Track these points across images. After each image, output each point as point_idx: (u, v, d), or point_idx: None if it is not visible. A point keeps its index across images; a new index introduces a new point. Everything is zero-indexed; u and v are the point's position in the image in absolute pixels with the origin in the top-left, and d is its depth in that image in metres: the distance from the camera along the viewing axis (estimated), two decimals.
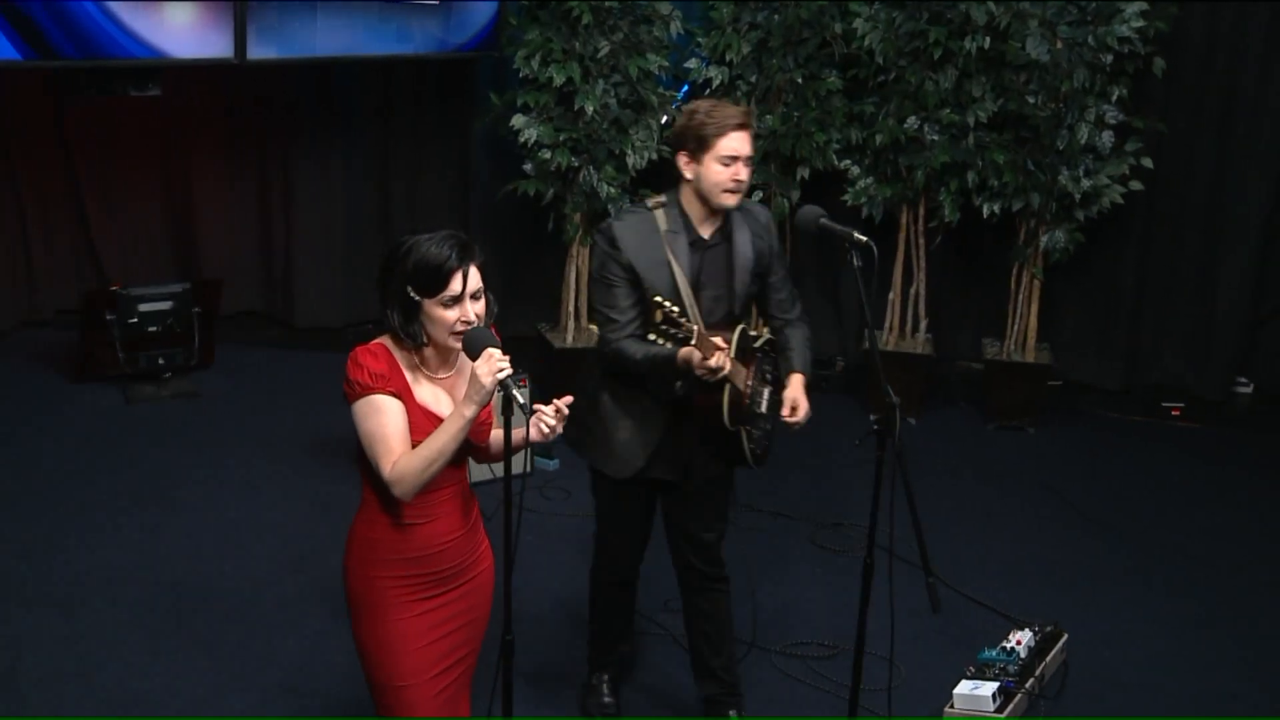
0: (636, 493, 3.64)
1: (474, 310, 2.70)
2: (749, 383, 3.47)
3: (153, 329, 5.93)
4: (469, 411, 2.66)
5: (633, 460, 3.56)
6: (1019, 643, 4.06)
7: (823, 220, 3.27)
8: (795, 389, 3.58)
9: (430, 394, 2.76)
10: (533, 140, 5.70)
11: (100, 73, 5.26)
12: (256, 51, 5.32)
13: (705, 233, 3.46)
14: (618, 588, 3.84)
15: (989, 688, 3.82)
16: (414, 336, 2.71)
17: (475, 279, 2.70)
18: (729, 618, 3.82)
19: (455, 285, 2.67)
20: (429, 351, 2.77)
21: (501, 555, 2.70)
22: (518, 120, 5.72)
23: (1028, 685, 3.89)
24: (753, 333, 3.54)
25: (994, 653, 4.02)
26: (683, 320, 3.15)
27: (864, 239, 3.13)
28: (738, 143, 3.33)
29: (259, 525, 4.88)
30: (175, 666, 4.03)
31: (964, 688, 3.87)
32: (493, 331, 2.76)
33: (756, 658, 4.24)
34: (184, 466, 5.34)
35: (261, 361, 6.51)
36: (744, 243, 3.50)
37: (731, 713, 3.80)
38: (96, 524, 4.83)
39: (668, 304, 3.13)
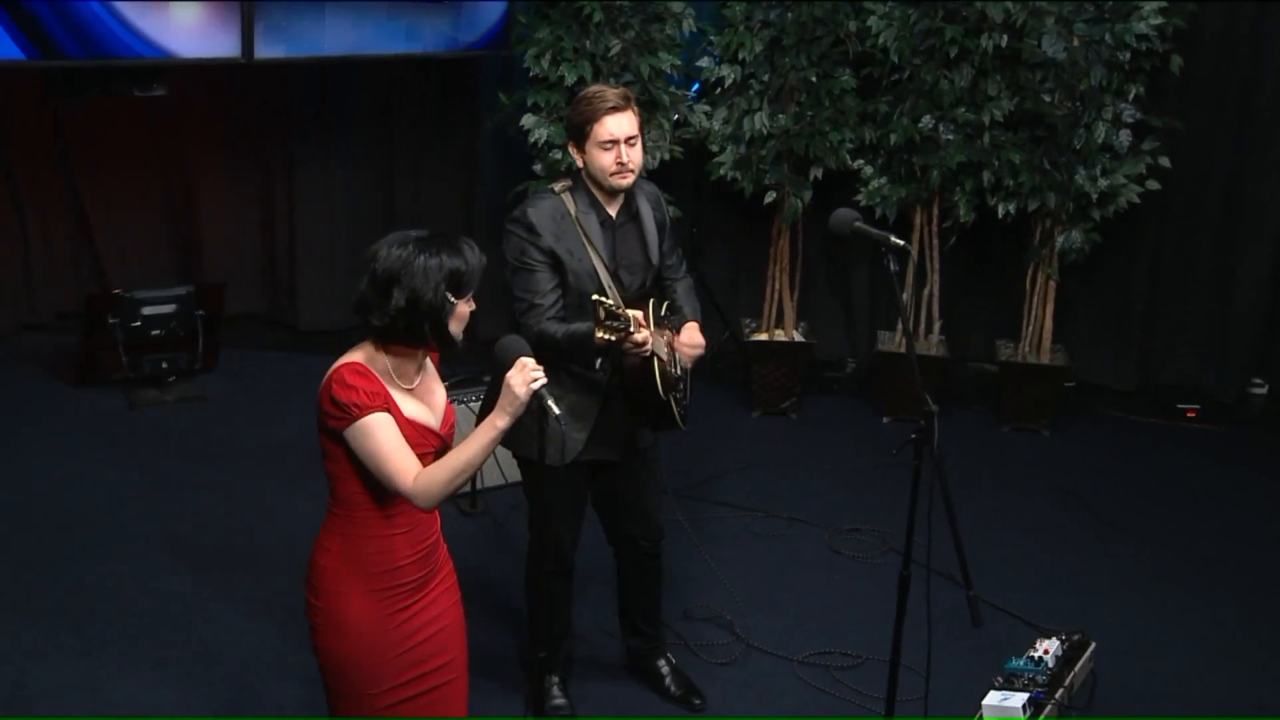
0: (575, 477, 3.65)
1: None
2: (666, 350, 3.55)
3: (156, 333, 5.85)
4: (502, 423, 2.63)
5: (572, 445, 3.56)
6: (1046, 652, 3.99)
7: (857, 224, 3.22)
8: (690, 331, 3.62)
9: (412, 406, 2.73)
10: (543, 140, 5.62)
11: (104, 73, 5.17)
12: (264, 51, 5.23)
13: (612, 212, 3.54)
14: (560, 577, 3.82)
15: (1018, 698, 3.75)
16: (443, 340, 2.70)
17: None
18: (660, 586, 4.00)
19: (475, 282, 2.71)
20: (400, 362, 2.72)
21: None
22: (528, 120, 5.64)
23: (1057, 696, 3.83)
24: (659, 303, 3.64)
25: (1021, 662, 3.95)
26: (620, 311, 3.21)
27: (900, 243, 3.09)
28: (614, 126, 3.39)
29: (267, 533, 4.80)
30: (186, 680, 3.96)
31: (993, 698, 3.80)
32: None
33: (778, 667, 4.18)
34: (190, 473, 5.26)
35: (265, 365, 6.43)
36: (648, 217, 3.62)
37: (660, 662, 4.00)
38: (103, 533, 4.75)
39: (607, 300, 3.19)
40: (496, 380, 2.68)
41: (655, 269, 3.66)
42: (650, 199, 3.67)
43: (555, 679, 3.90)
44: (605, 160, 3.43)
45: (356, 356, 2.69)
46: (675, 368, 3.61)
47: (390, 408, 2.65)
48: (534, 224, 3.45)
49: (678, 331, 3.64)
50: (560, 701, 3.88)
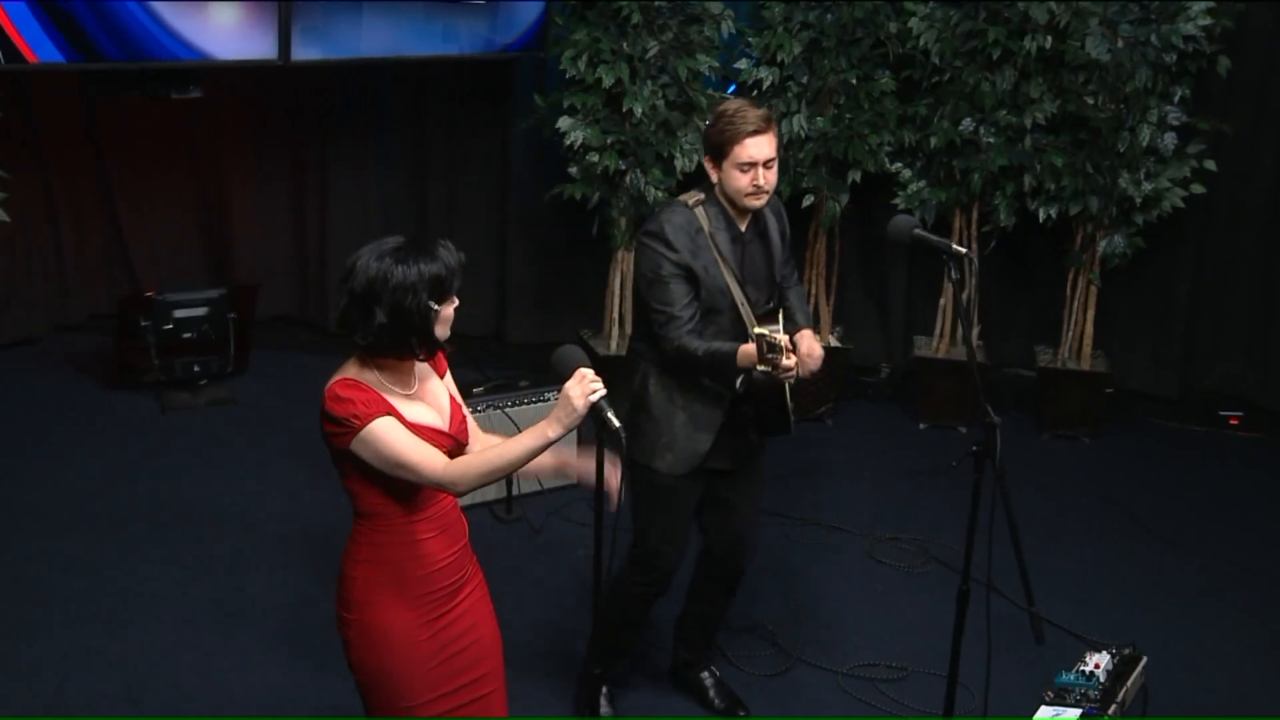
0: (691, 487, 3.63)
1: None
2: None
3: (188, 335, 5.82)
4: (553, 433, 2.57)
5: (695, 452, 3.56)
6: (1097, 666, 3.91)
7: (917, 231, 3.17)
8: (808, 340, 3.54)
9: (414, 410, 2.68)
10: (579, 142, 5.56)
11: (143, 75, 5.15)
12: (301, 53, 5.19)
13: (743, 228, 3.52)
14: (653, 600, 3.79)
15: (1072, 714, 3.67)
16: (431, 348, 2.67)
17: None
18: (727, 608, 3.97)
19: (457, 284, 2.66)
20: (391, 373, 2.68)
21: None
22: (564, 122, 5.59)
23: (1110, 711, 3.75)
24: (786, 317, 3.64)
25: (1072, 676, 3.87)
26: (778, 342, 3.17)
27: (963, 250, 3.04)
28: (754, 149, 3.36)
29: (305, 539, 4.77)
30: (225, 688, 3.93)
31: (1045, 713, 3.71)
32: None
33: (822, 679, 4.12)
34: (225, 477, 5.23)
35: (296, 367, 6.39)
36: (774, 233, 3.61)
37: (704, 674, 3.96)
38: (139, 538, 4.72)
39: (769, 334, 3.16)
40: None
41: (777, 284, 3.64)
42: (774, 211, 3.63)
43: (604, 689, 3.88)
44: (742, 182, 3.39)
45: (345, 373, 2.66)
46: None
47: (391, 413, 2.61)
48: (670, 239, 3.42)
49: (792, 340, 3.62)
50: (607, 711, 3.86)
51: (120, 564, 4.54)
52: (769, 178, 3.41)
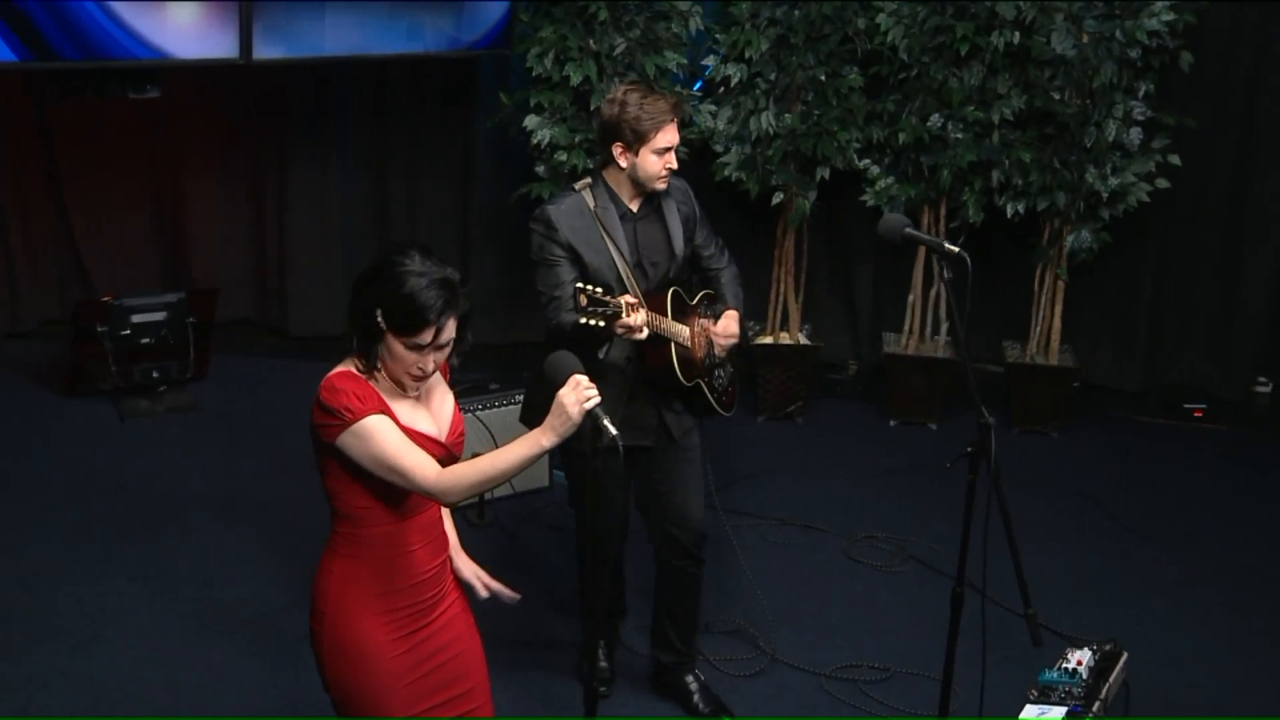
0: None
1: (434, 360, 2.55)
2: (698, 337, 3.65)
3: (146, 341, 5.69)
4: (547, 441, 2.50)
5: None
6: (1079, 663, 3.91)
7: (908, 230, 3.13)
8: (727, 319, 3.75)
9: (410, 414, 2.60)
10: (546, 141, 5.49)
11: (99, 74, 5.01)
12: (262, 51, 5.09)
13: (634, 206, 3.62)
14: (603, 565, 3.88)
15: (1058, 712, 3.67)
16: (369, 359, 2.55)
17: (449, 332, 2.53)
18: (699, 601, 3.93)
19: (426, 336, 2.50)
20: (386, 380, 2.60)
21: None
22: (530, 121, 5.51)
23: (1095, 709, 3.75)
24: (688, 292, 3.71)
25: (1055, 674, 3.86)
26: (608, 298, 3.23)
27: (955, 249, 3.00)
28: (671, 135, 3.50)
29: (273, 547, 4.67)
30: (197, 704, 3.82)
31: (1030, 712, 3.70)
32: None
33: (805, 681, 4.09)
34: (188, 485, 5.11)
35: (257, 372, 6.28)
36: (671, 210, 3.69)
37: (688, 677, 3.92)
38: (102, 550, 4.60)
39: (589, 287, 3.22)
40: (539, 392, 2.55)
41: (680, 260, 3.70)
42: (678, 192, 3.72)
43: (600, 642, 3.93)
44: (657, 166, 3.52)
45: (346, 365, 2.58)
46: (708, 355, 3.69)
47: (385, 411, 2.52)
48: (552, 219, 3.52)
49: (715, 320, 3.74)
50: (602, 664, 3.94)
51: (82, 579, 4.40)
52: (674, 160, 3.55)
